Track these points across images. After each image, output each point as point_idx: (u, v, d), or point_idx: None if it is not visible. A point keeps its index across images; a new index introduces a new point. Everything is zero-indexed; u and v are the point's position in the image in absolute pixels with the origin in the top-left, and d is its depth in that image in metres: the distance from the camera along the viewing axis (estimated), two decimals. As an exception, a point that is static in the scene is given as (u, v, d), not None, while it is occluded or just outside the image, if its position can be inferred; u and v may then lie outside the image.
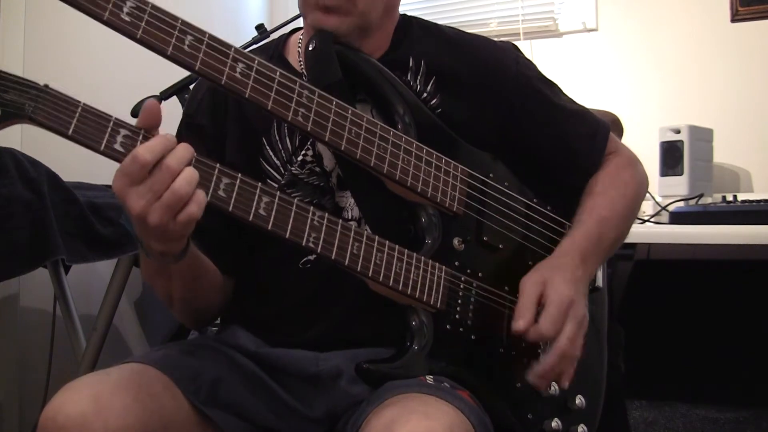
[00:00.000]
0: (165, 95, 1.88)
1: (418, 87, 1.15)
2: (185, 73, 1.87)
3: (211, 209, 0.90)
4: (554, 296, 1.04)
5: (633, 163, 1.26)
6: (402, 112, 1.08)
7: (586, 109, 1.25)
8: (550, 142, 1.20)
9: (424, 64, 1.15)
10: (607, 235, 1.16)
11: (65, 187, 1.71)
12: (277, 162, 1.14)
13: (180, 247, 0.96)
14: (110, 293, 1.97)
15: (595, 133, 1.23)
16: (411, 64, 1.15)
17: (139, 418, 0.92)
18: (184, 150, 0.87)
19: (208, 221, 1.00)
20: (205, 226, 1.03)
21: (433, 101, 1.14)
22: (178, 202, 0.86)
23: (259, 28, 2.02)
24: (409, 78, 1.15)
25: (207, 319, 1.21)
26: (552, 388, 1.11)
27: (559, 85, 1.25)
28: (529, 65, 1.22)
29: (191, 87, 1.86)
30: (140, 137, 0.86)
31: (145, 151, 0.84)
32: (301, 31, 1.21)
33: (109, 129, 0.85)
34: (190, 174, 0.86)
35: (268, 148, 1.14)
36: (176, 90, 1.90)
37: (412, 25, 1.20)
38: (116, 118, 0.86)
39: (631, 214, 1.23)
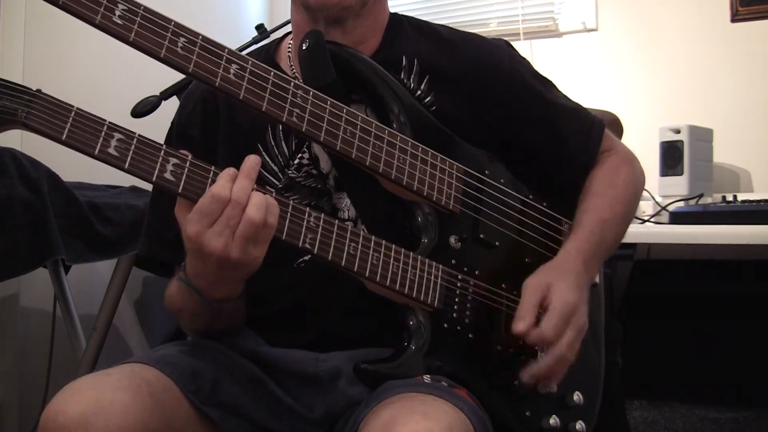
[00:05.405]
0: (165, 95, 1.88)
1: (412, 85, 1.15)
2: (185, 73, 1.88)
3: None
4: (558, 301, 1.03)
5: (630, 160, 1.25)
6: (397, 110, 1.08)
7: (580, 105, 1.25)
8: (544, 139, 1.19)
9: (417, 63, 1.15)
10: (608, 236, 1.16)
11: (65, 187, 1.71)
12: (274, 168, 1.14)
13: (241, 287, 1.01)
14: (110, 293, 1.97)
15: (590, 130, 1.23)
16: (404, 63, 1.15)
17: (140, 418, 0.92)
18: (245, 179, 0.91)
19: None
20: None
21: (428, 99, 1.14)
22: (253, 230, 0.89)
23: (259, 28, 2.02)
24: (402, 76, 1.15)
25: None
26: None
27: (554, 82, 1.25)
28: (523, 62, 1.22)
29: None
30: (134, 141, 0.87)
31: (221, 189, 0.89)
32: (291, 36, 1.21)
33: (103, 133, 0.86)
34: (257, 200, 0.90)
35: (264, 154, 1.14)
36: (176, 90, 1.90)
37: (403, 23, 1.20)
38: (110, 122, 0.87)
39: (629, 214, 1.23)
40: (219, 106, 1.16)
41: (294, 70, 1.17)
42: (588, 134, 1.22)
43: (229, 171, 0.91)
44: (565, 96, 1.25)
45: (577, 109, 1.24)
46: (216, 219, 0.89)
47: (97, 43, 2.24)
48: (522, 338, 1.03)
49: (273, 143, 1.14)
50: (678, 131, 2.29)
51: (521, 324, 1.02)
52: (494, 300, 1.11)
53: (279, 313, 1.15)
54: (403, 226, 1.09)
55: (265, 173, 1.14)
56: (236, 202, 0.89)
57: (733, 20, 2.54)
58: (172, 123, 1.22)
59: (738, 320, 2.39)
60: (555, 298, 1.04)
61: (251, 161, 0.92)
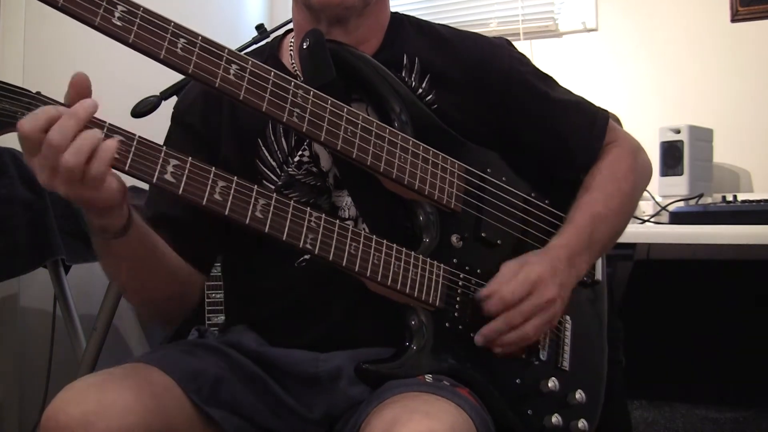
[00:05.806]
0: (165, 95, 1.87)
1: (413, 83, 1.14)
2: (185, 73, 1.88)
3: (171, 197, 0.90)
4: (525, 271, 1.05)
5: (632, 153, 1.24)
6: (398, 109, 1.08)
7: (584, 99, 1.24)
8: (545, 136, 1.19)
9: (418, 62, 1.15)
10: (600, 232, 1.15)
11: (65, 188, 1.71)
12: (273, 163, 1.14)
13: (119, 221, 0.94)
14: (110, 293, 1.97)
15: (593, 124, 1.22)
16: (405, 62, 1.15)
17: (141, 418, 0.92)
18: (69, 119, 0.82)
19: (174, 209, 0.99)
20: (170, 214, 1.03)
21: (429, 98, 1.14)
22: (70, 173, 0.82)
23: (259, 28, 2.01)
24: (403, 75, 1.14)
25: (169, 313, 1.17)
26: (551, 383, 1.12)
27: (555, 78, 1.24)
28: (523, 60, 1.21)
29: (190, 86, 1.86)
30: (134, 142, 0.87)
31: (25, 121, 0.81)
32: (293, 34, 1.22)
33: (104, 135, 0.85)
34: (79, 143, 0.81)
35: (264, 149, 1.14)
36: (176, 90, 1.89)
37: (404, 23, 1.20)
38: (110, 124, 0.87)
39: (628, 209, 1.22)
40: (222, 99, 1.15)
41: (296, 68, 1.17)
42: (589, 133, 1.21)
43: (53, 107, 0.83)
44: (568, 91, 1.24)
45: (579, 103, 1.23)
46: (34, 151, 0.82)
47: (96, 44, 2.25)
48: (484, 305, 1.04)
49: (273, 138, 1.14)
50: (678, 131, 2.30)
51: (485, 290, 1.05)
52: (495, 299, 1.11)
53: (280, 312, 1.14)
54: (405, 225, 1.09)
55: (264, 168, 1.14)
56: (48, 142, 0.81)
57: (733, 20, 2.54)
58: (173, 110, 1.22)
59: (738, 320, 2.39)
60: (525, 269, 1.06)
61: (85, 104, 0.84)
